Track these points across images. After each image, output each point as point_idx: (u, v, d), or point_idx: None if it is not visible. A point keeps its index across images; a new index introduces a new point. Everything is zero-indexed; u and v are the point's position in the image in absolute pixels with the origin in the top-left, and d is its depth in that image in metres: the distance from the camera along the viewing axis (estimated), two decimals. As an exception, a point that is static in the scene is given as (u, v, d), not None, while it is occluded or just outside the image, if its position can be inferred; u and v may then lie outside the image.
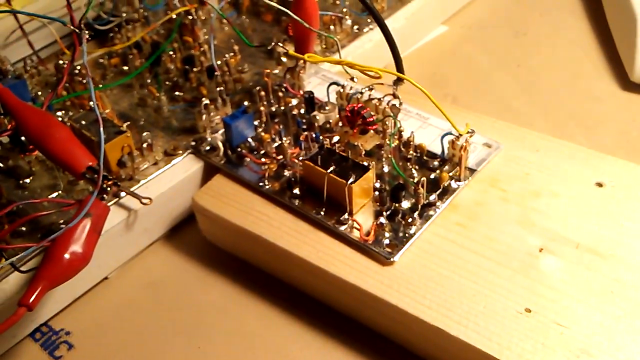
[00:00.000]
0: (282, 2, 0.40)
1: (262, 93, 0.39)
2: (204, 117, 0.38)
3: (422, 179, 0.33)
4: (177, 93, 0.42)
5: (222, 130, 0.38)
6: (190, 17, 0.45)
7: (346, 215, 0.33)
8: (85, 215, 0.30)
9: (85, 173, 0.32)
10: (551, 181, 0.34)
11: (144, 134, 0.37)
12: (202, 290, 0.35)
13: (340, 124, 0.37)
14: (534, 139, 0.36)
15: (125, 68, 0.45)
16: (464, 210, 0.33)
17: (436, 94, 0.34)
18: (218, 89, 0.40)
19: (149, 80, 0.43)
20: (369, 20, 0.47)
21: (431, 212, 0.33)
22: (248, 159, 0.37)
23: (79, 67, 0.42)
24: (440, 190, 0.34)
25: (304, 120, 0.38)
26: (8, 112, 0.33)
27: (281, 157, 0.36)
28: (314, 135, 0.36)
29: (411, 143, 0.35)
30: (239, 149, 0.37)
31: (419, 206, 0.33)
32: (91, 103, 0.36)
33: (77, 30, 0.34)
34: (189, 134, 0.39)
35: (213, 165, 0.37)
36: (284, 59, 0.44)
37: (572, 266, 0.30)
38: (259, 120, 0.38)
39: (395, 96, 0.36)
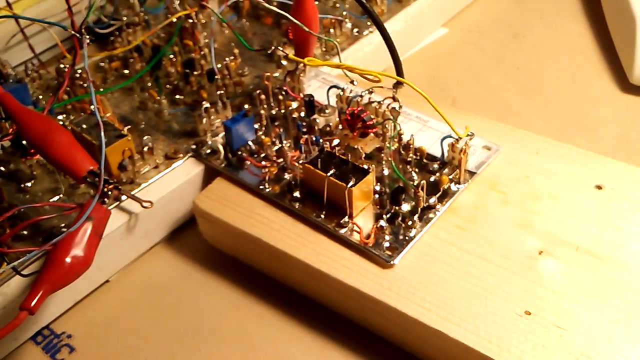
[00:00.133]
0: (282, 5, 0.40)
1: (263, 96, 0.39)
2: (204, 120, 0.38)
3: (422, 181, 0.33)
4: (177, 96, 0.42)
5: (222, 134, 0.38)
6: (190, 21, 0.45)
7: (346, 218, 0.33)
8: (86, 219, 0.30)
9: (87, 177, 0.32)
10: (551, 184, 0.34)
11: (145, 137, 0.37)
12: (203, 293, 0.35)
13: (340, 127, 0.37)
14: (533, 142, 0.36)
15: (126, 72, 0.45)
16: (464, 213, 0.33)
17: (436, 96, 0.34)
18: (218, 92, 0.40)
19: (149, 84, 0.43)
20: (368, 24, 0.48)
21: (431, 215, 0.33)
22: (248, 162, 0.37)
23: (79, 71, 0.42)
24: (440, 193, 0.34)
25: (304, 124, 0.38)
26: (9, 116, 0.33)
27: (281, 160, 0.36)
28: (314, 139, 0.36)
29: (411, 146, 0.35)
30: (240, 152, 0.37)
31: (419, 209, 0.33)
32: (92, 107, 0.36)
33: (77, 35, 0.34)
34: (189, 137, 0.39)
35: (213, 169, 0.37)
36: (284, 62, 0.44)
37: (572, 269, 0.30)
38: (259, 124, 0.38)
39: (395, 99, 0.36)
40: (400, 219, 0.33)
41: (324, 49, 0.45)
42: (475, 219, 0.33)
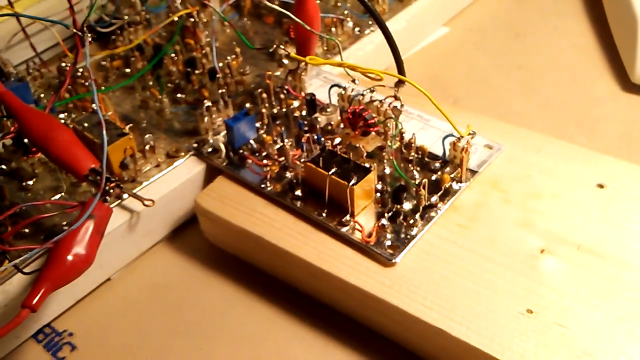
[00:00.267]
0: (284, 4, 0.40)
1: (264, 95, 0.39)
2: (205, 119, 0.38)
3: (424, 180, 0.33)
4: (179, 95, 0.42)
5: (224, 132, 0.38)
6: (192, 20, 0.45)
7: (348, 217, 0.33)
8: (88, 217, 0.30)
9: (88, 175, 0.32)
10: (552, 182, 0.34)
11: (146, 136, 0.37)
12: (204, 292, 0.35)
13: (341, 125, 0.37)
14: (535, 140, 0.36)
15: (128, 70, 0.45)
16: (465, 211, 0.33)
17: (437, 95, 0.34)
18: (220, 91, 0.40)
19: (151, 83, 0.43)
20: (370, 22, 0.47)
21: (432, 214, 0.33)
22: (250, 161, 0.37)
23: (81, 70, 0.42)
24: (442, 191, 0.34)
25: (306, 122, 0.38)
26: (11, 114, 0.33)
27: (283, 159, 0.36)
28: (315, 137, 0.36)
29: (412, 145, 0.35)
30: (241, 151, 0.37)
31: (421, 208, 0.33)
32: (94, 105, 0.36)
33: (79, 33, 0.34)
34: (191, 136, 0.39)
35: (215, 167, 0.37)
36: (285, 61, 0.44)
37: (574, 267, 0.30)
38: (260, 122, 0.38)
39: (396, 98, 0.37)
40: (401, 217, 0.33)
41: (325, 48, 0.45)
42: (477, 218, 0.33)
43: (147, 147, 0.37)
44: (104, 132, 0.32)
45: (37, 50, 0.45)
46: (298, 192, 0.34)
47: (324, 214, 0.33)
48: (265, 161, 0.36)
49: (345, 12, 0.47)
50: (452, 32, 0.53)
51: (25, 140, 0.37)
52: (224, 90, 0.40)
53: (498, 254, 0.31)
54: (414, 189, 0.33)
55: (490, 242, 0.31)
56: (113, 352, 0.33)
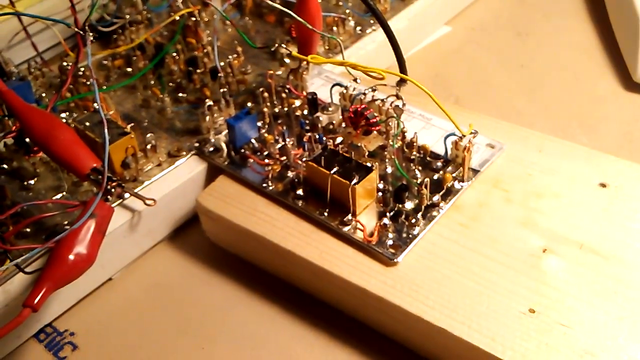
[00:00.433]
0: (285, 3, 0.40)
1: (266, 94, 0.39)
2: (207, 118, 0.38)
3: (426, 179, 0.33)
4: (180, 94, 0.42)
5: (225, 132, 0.38)
6: (193, 19, 0.45)
7: (349, 216, 0.33)
8: (89, 217, 0.30)
9: (90, 174, 0.32)
10: (554, 182, 0.34)
11: (148, 135, 0.37)
12: (205, 291, 0.35)
13: (343, 125, 0.37)
14: (537, 140, 0.36)
15: (129, 70, 0.45)
16: (467, 211, 0.33)
17: (439, 94, 0.34)
18: (221, 90, 0.40)
19: (152, 82, 0.43)
20: (371, 21, 0.47)
21: (434, 213, 0.33)
22: (251, 160, 0.37)
23: (83, 69, 0.42)
24: (444, 191, 0.34)
25: (307, 122, 0.38)
26: (12, 113, 0.33)
27: (284, 158, 0.36)
28: (317, 136, 0.36)
29: (414, 144, 0.35)
30: (243, 150, 0.37)
31: (422, 207, 0.33)
32: (95, 104, 0.36)
33: (81, 32, 0.34)
34: (192, 135, 0.39)
35: (216, 167, 0.37)
36: (287, 60, 0.44)
37: (576, 267, 0.30)
38: (262, 122, 0.38)
39: (398, 97, 0.37)
40: (403, 216, 0.33)
41: (327, 47, 0.45)
42: (479, 217, 0.33)
43: (148, 146, 0.37)
44: (106, 131, 0.32)
45: (38, 49, 0.45)
46: (300, 192, 0.34)
47: (325, 214, 0.33)
48: (266, 160, 0.36)
49: (347, 11, 0.47)
50: (454, 31, 0.53)
51: (27, 140, 0.37)
52: (225, 90, 0.40)
53: (500, 253, 0.31)
54: (416, 188, 0.33)
55: (492, 242, 0.31)
56: (114, 352, 0.33)
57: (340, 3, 0.49)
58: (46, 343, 0.34)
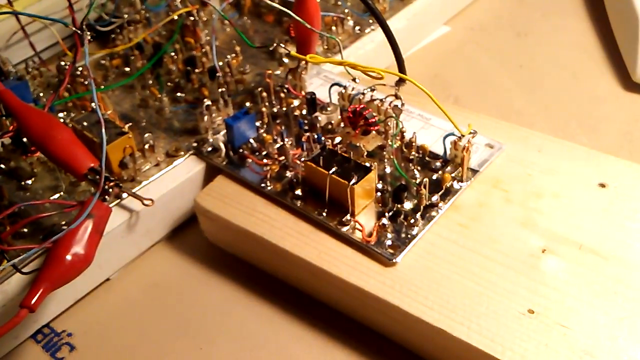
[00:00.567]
0: (284, 3, 0.40)
1: (264, 94, 0.39)
2: (205, 118, 0.38)
3: (424, 179, 0.33)
4: (178, 94, 0.42)
5: (223, 132, 0.38)
6: (192, 18, 0.45)
7: (348, 216, 0.32)
8: (87, 217, 0.30)
9: (87, 174, 0.32)
10: (553, 182, 0.34)
11: (146, 135, 0.37)
12: (203, 291, 0.35)
13: (342, 124, 0.37)
14: (536, 140, 0.36)
15: (127, 69, 0.45)
16: (466, 211, 0.33)
17: (438, 94, 0.34)
18: (220, 90, 0.40)
19: (150, 82, 0.43)
20: (370, 21, 0.47)
21: (433, 213, 0.33)
22: (250, 160, 0.36)
23: (80, 69, 0.42)
24: (443, 191, 0.34)
25: (306, 121, 0.38)
26: (10, 113, 0.33)
27: (283, 158, 0.36)
28: (315, 136, 0.36)
29: (413, 144, 0.35)
30: (241, 150, 0.37)
31: (421, 207, 0.33)
32: (93, 104, 0.36)
33: (78, 32, 0.34)
34: (190, 135, 0.39)
35: (215, 167, 0.37)
36: (285, 60, 0.44)
37: (575, 267, 0.30)
38: (260, 121, 0.38)
39: (397, 97, 0.36)
40: (402, 217, 0.32)
41: (325, 47, 0.45)
42: (478, 217, 0.32)
43: (146, 146, 0.37)
44: (103, 131, 0.32)
45: (36, 49, 0.45)
46: (298, 192, 0.34)
47: (324, 214, 0.33)
48: (265, 160, 0.36)
49: (346, 10, 0.47)
50: (453, 31, 0.53)
51: (24, 139, 0.37)
52: (223, 89, 0.40)
53: (499, 253, 0.31)
54: (415, 188, 0.33)
55: (491, 242, 0.31)
56: (112, 353, 0.33)
57: (339, 3, 0.49)
58: (44, 344, 0.33)
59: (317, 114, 0.37)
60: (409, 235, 0.32)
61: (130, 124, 0.38)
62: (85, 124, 0.36)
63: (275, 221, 0.34)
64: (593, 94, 0.45)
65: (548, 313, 0.28)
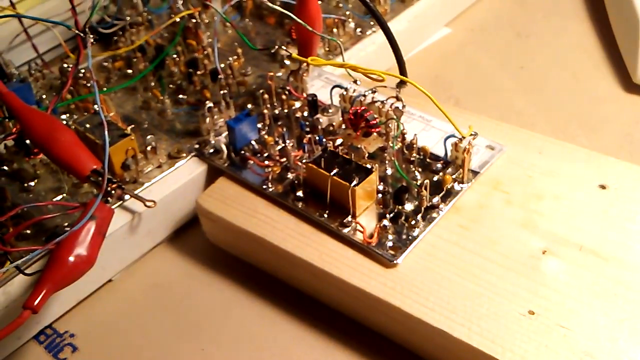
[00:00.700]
0: (285, 5, 0.40)
1: (266, 96, 0.39)
2: (207, 120, 0.38)
3: (425, 181, 0.33)
4: (180, 96, 0.42)
5: (225, 133, 0.38)
6: (194, 21, 0.45)
7: (349, 218, 0.33)
8: (89, 218, 0.30)
9: (90, 176, 0.32)
10: (554, 183, 0.34)
11: (148, 137, 0.37)
12: (205, 293, 0.35)
13: (343, 126, 0.37)
14: (536, 141, 0.36)
15: (129, 71, 0.45)
16: (467, 212, 0.33)
17: (439, 96, 0.34)
18: (221, 92, 0.40)
19: (152, 84, 0.43)
20: (371, 23, 0.47)
21: (434, 215, 0.33)
22: (251, 162, 0.37)
23: (83, 71, 0.42)
24: (444, 192, 0.34)
25: (307, 123, 0.38)
26: (13, 115, 0.33)
27: (284, 159, 0.36)
28: (317, 138, 0.36)
29: (414, 145, 0.35)
30: (243, 152, 0.37)
31: (422, 208, 0.33)
32: (95, 106, 0.36)
33: (81, 34, 0.34)
34: (192, 136, 0.39)
35: (217, 168, 0.37)
36: (287, 62, 0.44)
37: (576, 268, 0.30)
38: (262, 123, 0.38)
39: (398, 99, 0.37)
40: (403, 218, 0.33)
41: (327, 49, 0.45)
42: (479, 219, 0.33)
43: (148, 148, 0.37)
44: (106, 133, 0.32)
45: (39, 51, 0.45)
46: (299, 193, 0.34)
47: (325, 215, 0.33)
48: (266, 162, 0.36)
49: (347, 12, 0.47)
50: (454, 33, 0.53)
51: (27, 141, 0.37)
52: (225, 91, 0.40)
53: (500, 255, 0.31)
54: (416, 189, 0.33)
55: (491, 243, 0.31)
56: (114, 353, 0.33)
57: (340, 5, 0.49)
58: (46, 344, 0.34)
59: (318, 115, 0.37)
60: (410, 237, 0.32)
61: (133, 125, 0.38)
62: (87, 126, 0.36)
63: (277, 222, 0.34)
64: (593, 95, 0.45)
65: (548, 314, 0.28)
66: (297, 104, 0.40)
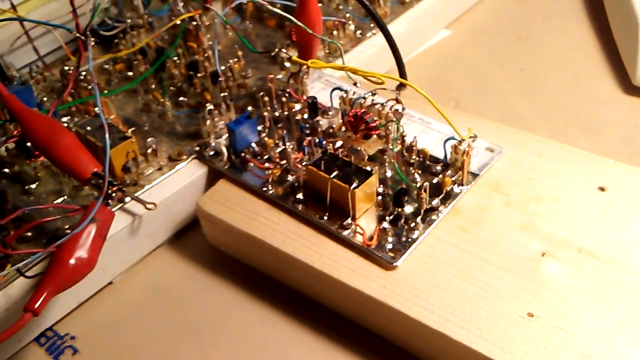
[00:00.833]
0: (286, 8, 0.40)
1: (266, 98, 0.39)
2: (208, 122, 0.38)
3: (425, 183, 0.33)
4: (181, 98, 0.42)
5: (226, 136, 0.38)
6: (194, 23, 0.45)
7: (349, 220, 0.33)
8: (90, 221, 0.30)
9: (91, 179, 0.32)
10: (553, 185, 0.34)
11: (149, 139, 0.37)
12: (206, 295, 0.35)
13: (343, 129, 0.37)
14: (536, 144, 0.36)
15: (130, 74, 0.45)
16: (467, 214, 0.33)
17: (439, 98, 0.34)
18: (222, 94, 0.40)
19: (153, 86, 0.43)
20: (371, 25, 0.48)
21: (434, 217, 0.33)
22: (252, 164, 0.37)
23: (84, 73, 0.42)
24: (443, 194, 0.34)
25: (307, 125, 0.38)
26: (14, 118, 0.33)
27: (285, 162, 0.36)
28: (317, 140, 0.36)
29: (414, 148, 0.35)
30: (243, 154, 0.37)
31: (422, 211, 0.33)
32: (96, 109, 0.36)
33: (82, 37, 0.34)
34: (193, 139, 0.39)
35: (217, 170, 0.37)
36: (287, 65, 0.44)
37: (575, 271, 0.30)
38: (262, 126, 0.38)
39: (398, 101, 0.37)
40: (403, 220, 0.33)
41: (327, 51, 0.45)
42: (478, 221, 0.33)
43: (149, 150, 0.37)
44: (107, 135, 0.32)
45: (40, 53, 0.45)
46: (299, 196, 0.35)
47: (325, 217, 0.33)
48: (267, 164, 0.36)
49: (347, 15, 0.47)
50: (454, 35, 0.53)
51: (28, 144, 0.37)
52: (226, 94, 0.40)
53: (499, 257, 0.31)
54: (415, 192, 0.33)
55: (491, 246, 0.31)
56: (115, 355, 0.33)
57: (341, 7, 0.49)
58: (47, 347, 0.34)
59: (318, 118, 0.38)
60: (410, 239, 0.32)
61: (133, 128, 0.38)
62: (88, 128, 0.36)
63: (277, 225, 0.34)
64: (593, 97, 0.45)
65: (548, 316, 0.28)
66: (297, 107, 0.40)
